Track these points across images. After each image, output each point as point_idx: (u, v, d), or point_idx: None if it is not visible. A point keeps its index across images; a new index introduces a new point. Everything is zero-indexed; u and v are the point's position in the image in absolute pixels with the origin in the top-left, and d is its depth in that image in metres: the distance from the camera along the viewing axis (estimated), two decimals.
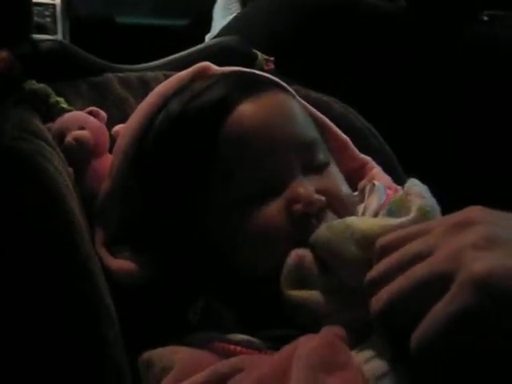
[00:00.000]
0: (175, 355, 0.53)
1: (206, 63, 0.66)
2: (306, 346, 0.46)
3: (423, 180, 0.58)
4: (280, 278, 0.53)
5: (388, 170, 0.73)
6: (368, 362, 0.47)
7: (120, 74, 0.76)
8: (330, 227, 0.52)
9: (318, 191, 0.55)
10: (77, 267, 0.54)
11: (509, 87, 1.06)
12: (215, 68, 0.67)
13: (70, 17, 1.77)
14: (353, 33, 1.07)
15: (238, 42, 0.85)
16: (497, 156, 1.05)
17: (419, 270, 0.42)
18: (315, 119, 0.67)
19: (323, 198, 0.55)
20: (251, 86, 0.60)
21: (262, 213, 0.55)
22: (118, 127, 0.68)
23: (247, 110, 0.57)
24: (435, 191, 0.56)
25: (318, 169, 0.58)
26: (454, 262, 0.40)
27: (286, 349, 0.48)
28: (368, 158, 0.72)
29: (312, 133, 0.61)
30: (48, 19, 1.67)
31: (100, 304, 0.54)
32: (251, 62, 0.82)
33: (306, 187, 0.55)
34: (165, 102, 0.62)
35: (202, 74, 0.65)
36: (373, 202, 0.61)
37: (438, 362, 0.41)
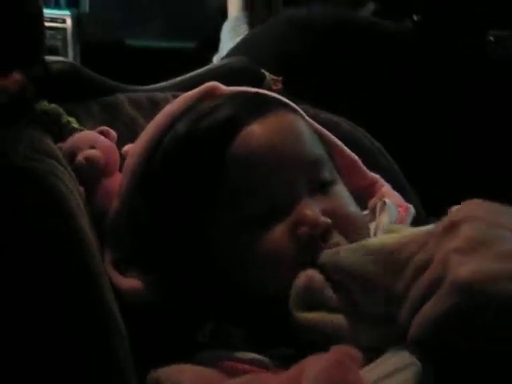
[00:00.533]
0: (183, 374, 0.52)
1: (214, 83, 0.66)
2: (314, 365, 0.46)
3: (425, 186, 0.58)
4: (289, 299, 0.53)
5: (397, 188, 0.73)
6: (376, 383, 0.46)
7: (130, 95, 0.77)
8: (344, 249, 0.52)
9: (324, 212, 0.55)
10: (87, 285, 0.54)
11: None
12: (223, 88, 0.67)
13: (81, 41, 1.79)
14: (367, 51, 1.08)
15: (246, 63, 0.86)
16: (501, 167, 1.05)
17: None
18: (323, 138, 0.67)
19: (329, 220, 0.55)
20: (259, 106, 0.60)
21: (269, 235, 0.55)
22: (127, 147, 0.68)
23: (255, 130, 0.58)
24: (438, 197, 0.56)
25: (324, 188, 0.58)
26: (444, 267, 0.42)
27: (295, 368, 0.47)
28: (377, 176, 0.72)
29: (318, 151, 0.61)
30: (59, 43, 1.70)
31: (110, 322, 0.54)
32: (259, 82, 0.82)
33: (312, 209, 0.55)
34: (173, 121, 0.63)
35: (209, 94, 0.65)
36: (384, 219, 0.61)
37: (431, 360, 0.43)
